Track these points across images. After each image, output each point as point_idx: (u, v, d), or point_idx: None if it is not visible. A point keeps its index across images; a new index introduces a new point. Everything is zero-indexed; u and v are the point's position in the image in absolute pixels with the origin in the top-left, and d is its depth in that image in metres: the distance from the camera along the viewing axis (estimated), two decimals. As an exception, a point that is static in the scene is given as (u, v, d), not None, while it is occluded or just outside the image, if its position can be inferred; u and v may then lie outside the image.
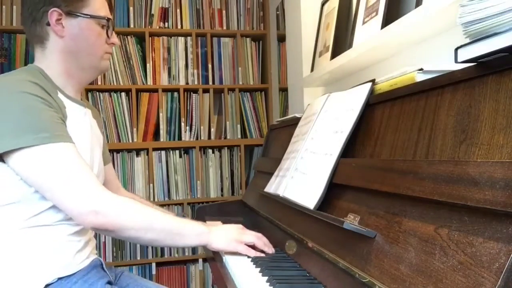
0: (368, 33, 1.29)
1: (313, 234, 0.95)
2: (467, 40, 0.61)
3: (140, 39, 2.71)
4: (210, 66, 2.78)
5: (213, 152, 2.76)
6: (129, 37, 2.66)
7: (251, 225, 1.26)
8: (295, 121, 1.41)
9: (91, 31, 1.08)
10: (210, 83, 2.78)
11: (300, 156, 1.15)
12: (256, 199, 1.55)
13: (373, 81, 0.97)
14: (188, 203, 2.70)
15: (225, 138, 2.80)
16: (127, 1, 2.66)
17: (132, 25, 2.66)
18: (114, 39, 1.15)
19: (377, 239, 0.71)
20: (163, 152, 2.69)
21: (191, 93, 2.74)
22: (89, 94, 2.61)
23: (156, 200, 2.64)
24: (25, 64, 2.54)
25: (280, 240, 1.11)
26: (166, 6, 2.74)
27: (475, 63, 0.64)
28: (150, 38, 2.69)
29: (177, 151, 2.71)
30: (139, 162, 2.64)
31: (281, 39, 2.61)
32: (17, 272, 0.96)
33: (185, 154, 2.73)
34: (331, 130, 1.03)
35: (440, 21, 0.97)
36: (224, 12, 2.82)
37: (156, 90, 2.68)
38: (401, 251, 0.64)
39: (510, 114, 0.57)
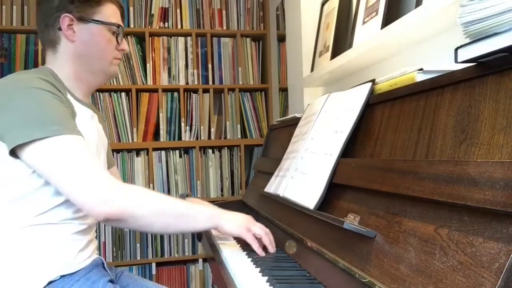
0: (368, 33, 1.29)
1: (313, 234, 0.95)
2: (467, 40, 0.61)
3: (140, 39, 2.71)
4: (210, 66, 2.78)
5: (213, 152, 2.76)
6: (129, 37, 2.66)
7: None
8: (295, 121, 1.41)
9: (102, 36, 1.12)
10: (210, 83, 2.78)
11: (300, 156, 1.15)
12: (256, 199, 1.55)
13: (373, 81, 0.97)
14: (188, 203, 2.69)
15: (225, 138, 2.80)
16: (127, 1, 2.66)
17: (132, 25, 2.66)
18: (124, 45, 1.19)
19: (377, 239, 0.71)
20: (163, 152, 2.69)
21: (191, 93, 2.74)
22: (89, 94, 2.61)
23: (156, 200, 2.63)
24: (25, 64, 2.55)
25: (280, 240, 1.11)
26: (166, 6, 2.74)
27: (475, 63, 0.64)
28: (150, 38, 2.69)
29: (177, 151, 2.71)
30: (139, 162, 2.64)
31: (281, 39, 2.61)
32: (21, 269, 0.97)
33: (185, 154, 2.73)
34: (331, 130, 1.03)
35: (440, 21, 0.97)
36: (224, 12, 2.82)
37: (156, 90, 2.68)
38: (401, 251, 0.64)
39: (510, 114, 0.57)
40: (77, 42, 1.10)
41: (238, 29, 2.84)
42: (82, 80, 1.13)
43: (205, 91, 2.76)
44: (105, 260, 2.62)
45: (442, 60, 1.03)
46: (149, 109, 2.67)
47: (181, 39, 2.74)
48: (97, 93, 2.61)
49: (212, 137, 2.75)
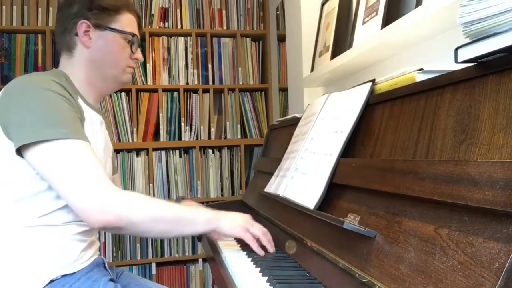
0: (368, 33, 1.29)
1: (313, 234, 0.95)
2: (467, 40, 0.61)
3: (140, 39, 2.71)
4: (210, 66, 2.78)
5: (213, 152, 2.76)
6: (129, 37, 2.66)
7: (251, 225, 1.26)
8: (295, 121, 1.41)
9: (117, 44, 1.15)
10: (210, 83, 2.78)
11: (300, 156, 1.15)
12: (256, 199, 1.55)
13: (373, 81, 0.97)
14: (188, 203, 2.69)
15: (225, 138, 2.80)
16: (127, 1, 2.66)
17: (132, 25, 2.66)
18: (138, 55, 1.23)
19: (377, 239, 0.71)
20: (163, 152, 2.69)
21: (191, 93, 2.74)
22: (89, 94, 2.61)
23: (156, 200, 2.63)
24: (25, 64, 2.55)
25: (280, 240, 1.11)
26: (166, 6, 2.74)
27: (475, 63, 0.64)
28: (150, 38, 2.69)
29: (177, 151, 2.71)
30: (139, 162, 2.64)
31: (281, 39, 2.61)
32: (22, 267, 0.97)
33: (185, 154, 2.73)
34: (331, 130, 1.03)
35: (440, 21, 0.97)
36: (224, 12, 2.82)
37: (156, 90, 2.68)
38: (401, 251, 0.64)
39: (510, 114, 0.57)
40: (92, 48, 1.12)
41: (238, 29, 2.84)
42: (94, 86, 1.15)
43: (205, 91, 2.76)
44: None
45: (442, 60, 1.03)
46: (149, 109, 2.67)
47: (181, 39, 2.74)
48: (97, 93, 2.60)
49: (212, 137, 2.75)
